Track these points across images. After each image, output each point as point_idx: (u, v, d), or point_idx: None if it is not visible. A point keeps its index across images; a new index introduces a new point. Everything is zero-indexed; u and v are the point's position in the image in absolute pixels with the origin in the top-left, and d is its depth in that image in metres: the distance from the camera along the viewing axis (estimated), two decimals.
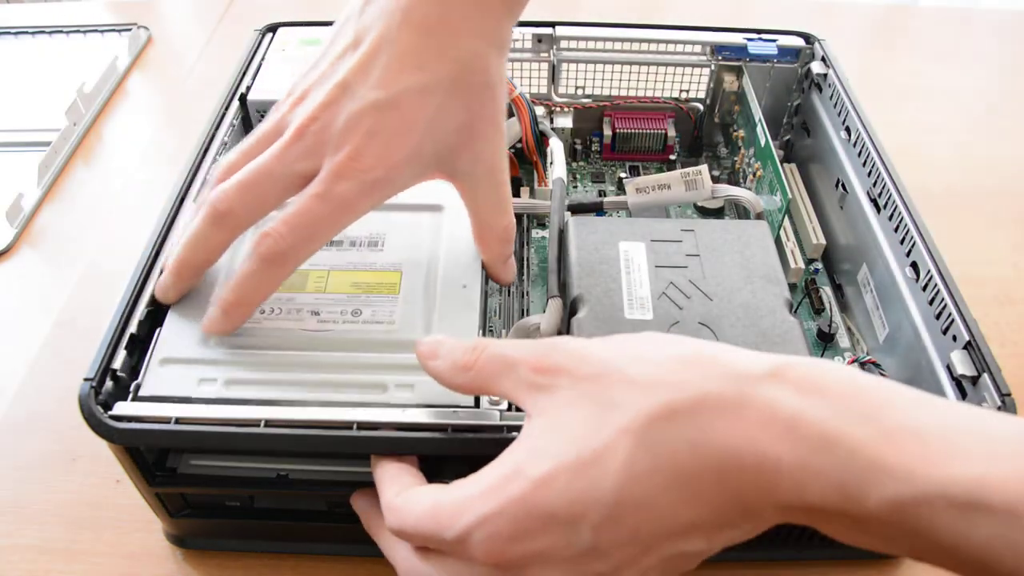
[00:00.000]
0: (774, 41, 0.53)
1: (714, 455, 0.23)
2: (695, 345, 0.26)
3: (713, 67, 0.54)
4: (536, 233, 0.50)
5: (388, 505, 0.28)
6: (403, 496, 0.27)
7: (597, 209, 0.47)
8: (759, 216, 0.45)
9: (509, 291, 0.41)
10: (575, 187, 0.54)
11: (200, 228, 0.32)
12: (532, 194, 0.50)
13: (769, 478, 0.23)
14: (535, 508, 0.24)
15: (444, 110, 0.31)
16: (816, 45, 0.52)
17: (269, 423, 0.30)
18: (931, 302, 0.37)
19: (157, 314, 0.35)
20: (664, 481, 0.23)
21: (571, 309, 0.37)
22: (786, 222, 0.48)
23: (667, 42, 0.53)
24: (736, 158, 0.54)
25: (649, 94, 0.55)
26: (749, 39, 0.53)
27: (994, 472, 0.20)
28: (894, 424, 0.22)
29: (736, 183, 0.53)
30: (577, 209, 0.47)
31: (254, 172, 0.31)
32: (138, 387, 0.32)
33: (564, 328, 0.38)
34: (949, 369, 0.35)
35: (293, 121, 0.31)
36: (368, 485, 0.33)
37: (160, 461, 0.33)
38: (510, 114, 0.49)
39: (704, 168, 0.45)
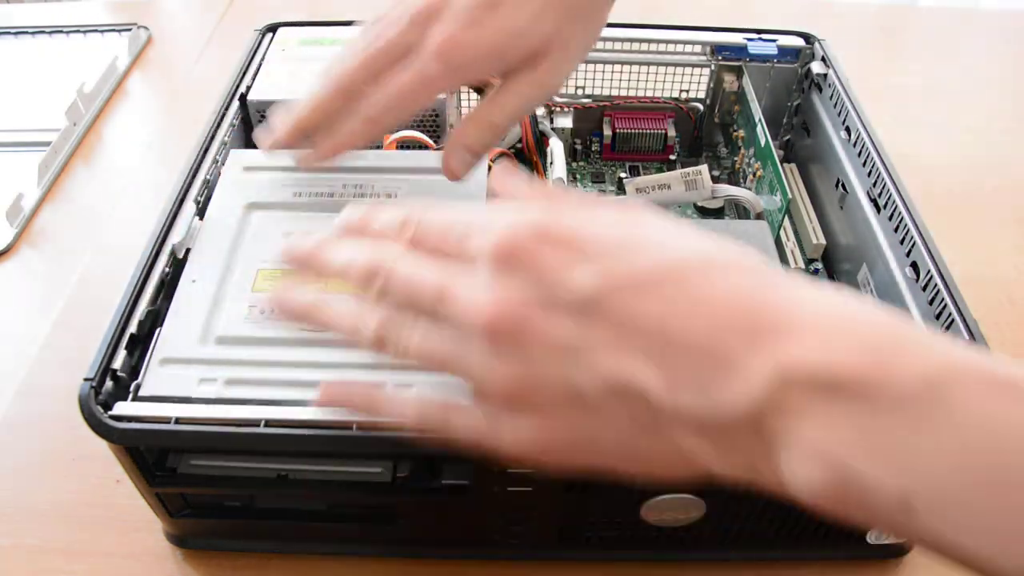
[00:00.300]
0: (774, 41, 0.53)
1: (750, 285, 0.23)
2: None
3: (713, 67, 0.54)
4: None
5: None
6: None
7: None
8: (759, 216, 0.45)
9: None
10: (575, 187, 0.54)
11: (322, 94, 0.37)
12: None
13: (799, 320, 0.22)
14: (579, 231, 0.25)
15: (539, 15, 0.35)
16: (816, 45, 0.52)
17: (269, 423, 0.30)
18: (931, 302, 0.37)
19: (157, 314, 0.35)
20: (680, 292, 0.23)
21: None
22: (786, 222, 0.48)
23: (667, 42, 0.53)
24: (736, 158, 0.54)
25: (649, 94, 0.55)
26: (749, 39, 0.53)
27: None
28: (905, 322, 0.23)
29: (736, 183, 0.53)
30: None
31: (377, 53, 0.36)
32: (138, 387, 0.32)
33: None
34: None
35: (412, 5, 0.36)
36: (365, 485, 0.33)
37: (160, 461, 0.33)
38: None
39: (704, 168, 0.45)
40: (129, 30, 0.73)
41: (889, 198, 0.41)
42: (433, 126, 0.47)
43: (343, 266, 0.28)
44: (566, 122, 0.53)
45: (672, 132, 0.55)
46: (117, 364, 0.32)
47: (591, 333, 0.23)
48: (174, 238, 0.37)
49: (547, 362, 0.24)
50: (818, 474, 0.21)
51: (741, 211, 0.50)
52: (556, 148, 0.48)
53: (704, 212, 0.52)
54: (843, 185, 0.47)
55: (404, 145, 0.45)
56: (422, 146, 0.45)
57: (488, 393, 0.25)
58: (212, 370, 0.32)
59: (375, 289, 0.27)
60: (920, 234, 0.38)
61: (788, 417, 0.21)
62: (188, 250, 0.37)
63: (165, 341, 0.33)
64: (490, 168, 0.44)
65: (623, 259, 0.24)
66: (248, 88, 0.47)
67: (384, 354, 0.27)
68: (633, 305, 0.23)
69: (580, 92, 0.55)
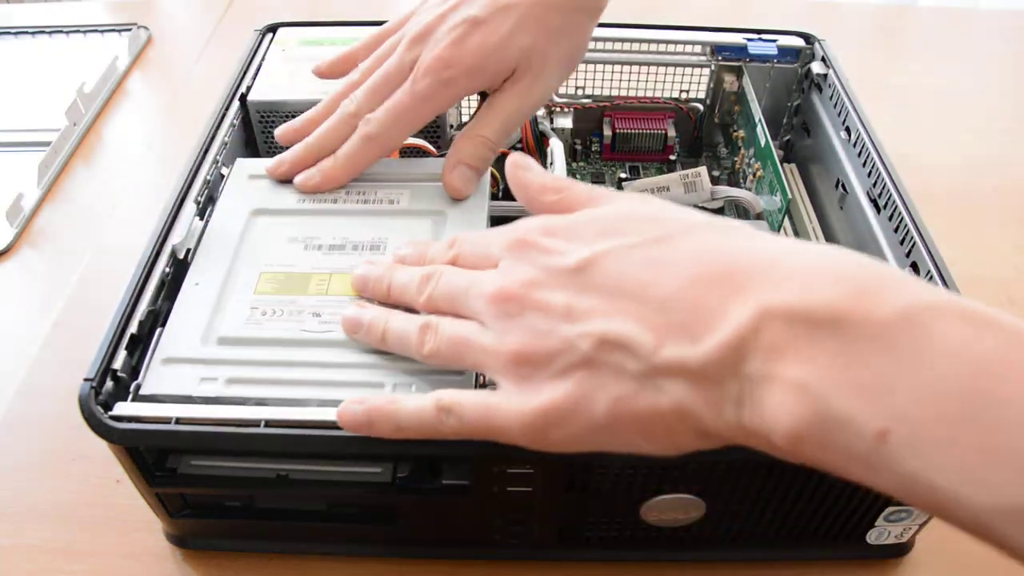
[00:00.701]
0: (774, 41, 0.53)
1: (729, 241, 0.26)
2: None
3: (713, 67, 0.54)
4: None
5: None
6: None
7: None
8: (759, 216, 0.45)
9: None
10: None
11: (334, 123, 0.40)
12: None
13: (780, 270, 0.24)
14: (574, 227, 0.29)
15: (516, 31, 0.37)
16: (816, 45, 0.52)
17: (269, 423, 0.30)
18: None
19: (157, 314, 0.35)
20: (662, 258, 0.26)
21: None
22: (786, 222, 0.48)
23: (667, 42, 0.53)
24: (736, 158, 0.54)
25: (649, 94, 0.55)
26: (749, 39, 0.53)
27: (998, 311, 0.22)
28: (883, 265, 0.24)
29: (736, 183, 0.53)
30: None
31: (378, 78, 0.39)
32: (138, 387, 0.32)
33: None
34: None
35: (409, 31, 0.39)
36: (365, 485, 0.33)
37: (160, 461, 0.33)
38: None
39: (703, 170, 0.45)
40: (129, 30, 0.73)
41: (889, 198, 0.41)
42: (434, 133, 0.46)
43: (406, 281, 0.33)
44: (566, 122, 0.53)
45: (672, 132, 0.55)
46: (117, 364, 0.32)
47: (583, 298, 0.26)
48: (174, 238, 0.37)
49: (547, 326, 0.27)
50: (798, 410, 0.22)
51: (741, 211, 0.50)
52: (556, 148, 0.48)
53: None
54: (843, 185, 0.47)
55: (406, 152, 0.45)
56: (424, 153, 0.45)
57: (499, 365, 0.28)
58: (213, 369, 0.32)
59: (428, 290, 0.31)
60: (920, 234, 0.38)
61: (769, 356, 0.23)
62: (188, 250, 0.37)
63: (167, 341, 0.33)
64: (491, 172, 0.44)
65: (613, 235, 0.27)
66: (248, 88, 0.47)
67: (422, 352, 0.30)
68: (618, 269, 0.26)
69: (580, 92, 0.55)
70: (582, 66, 0.54)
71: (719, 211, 0.52)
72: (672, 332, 0.24)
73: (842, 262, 0.24)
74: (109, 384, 0.31)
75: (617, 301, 0.26)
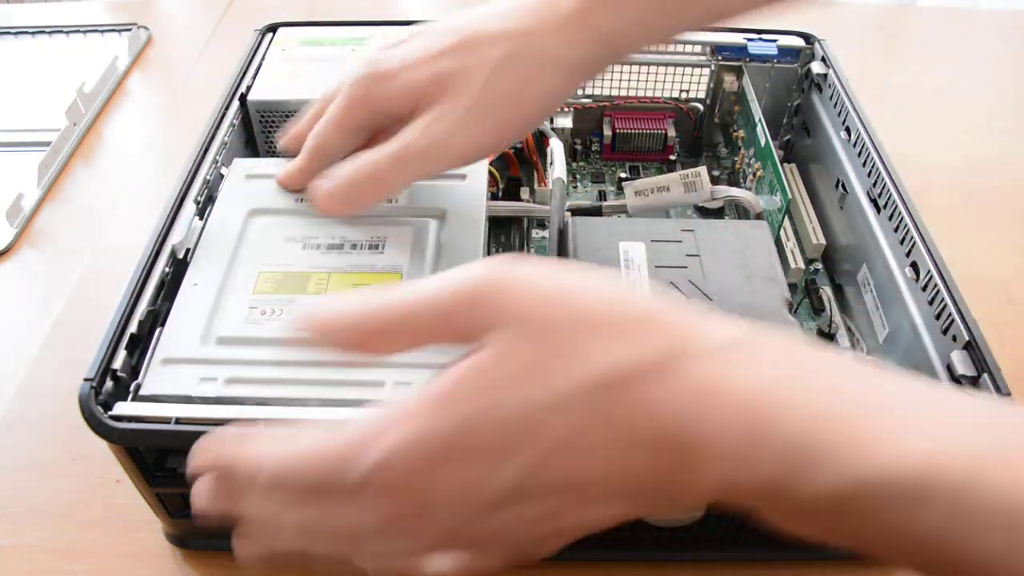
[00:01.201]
0: (774, 41, 0.53)
1: (650, 430, 0.22)
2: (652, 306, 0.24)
3: (713, 67, 0.54)
4: (536, 233, 0.50)
5: (269, 436, 0.26)
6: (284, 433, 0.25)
7: (596, 214, 0.47)
8: (759, 216, 0.45)
9: None
10: (575, 187, 0.54)
11: (335, 116, 0.37)
12: (532, 195, 0.50)
13: (703, 461, 0.22)
14: (470, 436, 0.22)
15: (499, 71, 0.34)
16: (816, 45, 0.52)
17: (269, 423, 0.30)
18: (931, 302, 0.37)
19: (157, 314, 0.35)
20: (603, 441, 0.22)
21: None
22: (786, 222, 0.48)
23: (667, 42, 0.53)
24: (736, 158, 0.54)
25: (649, 94, 0.55)
26: (749, 39, 0.53)
27: (940, 453, 0.20)
28: (842, 401, 0.21)
29: (736, 183, 0.53)
30: (577, 213, 0.47)
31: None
32: (138, 387, 0.32)
33: None
34: (949, 369, 0.35)
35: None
36: None
37: (160, 461, 0.33)
38: None
39: (703, 170, 0.45)
40: (129, 30, 0.73)
41: (889, 198, 0.41)
42: None
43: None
44: (566, 122, 0.53)
45: (672, 132, 0.55)
46: (117, 364, 0.32)
47: (538, 505, 0.23)
48: (174, 238, 0.37)
49: (525, 535, 0.24)
50: None
51: (741, 211, 0.50)
52: (556, 148, 0.48)
53: (704, 212, 0.52)
54: (843, 185, 0.47)
55: None
56: None
57: None
58: (213, 369, 0.32)
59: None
60: (920, 234, 0.38)
61: (744, 505, 0.23)
62: (188, 250, 0.37)
63: (167, 341, 0.33)
64: (491, 172, 0.44)
65: (529, 439, 0.23)
66: (248, 88, 0.47)
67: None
68: (562, 468, 0.23)
69: (580, 92, 0.55)
70: None
71: (719, 211, 0.52)
72: (647, 505, 0.25)
73: (770, 431, 0.22)
74: (109, 384, 0.31)
75: (583, 493, 0.23)
